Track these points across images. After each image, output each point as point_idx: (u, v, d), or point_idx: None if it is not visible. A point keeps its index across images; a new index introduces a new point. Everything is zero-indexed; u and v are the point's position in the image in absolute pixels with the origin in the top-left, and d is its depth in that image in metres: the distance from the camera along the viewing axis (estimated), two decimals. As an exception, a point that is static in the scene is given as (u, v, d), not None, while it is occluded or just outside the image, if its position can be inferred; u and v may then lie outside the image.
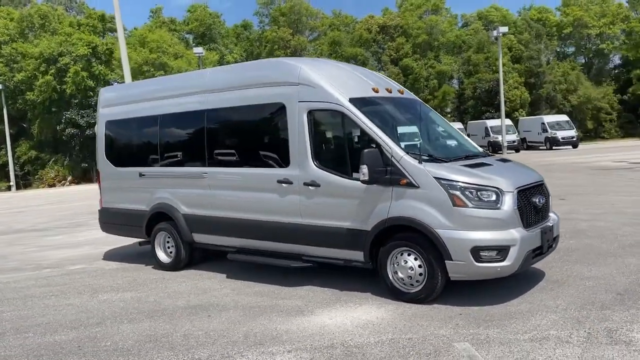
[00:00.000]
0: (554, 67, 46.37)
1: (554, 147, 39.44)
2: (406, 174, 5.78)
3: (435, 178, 5.66)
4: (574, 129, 40.63)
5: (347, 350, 4.78)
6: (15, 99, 44.00)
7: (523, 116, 44.52)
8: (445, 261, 5.59)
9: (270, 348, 4.94)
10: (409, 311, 5.67)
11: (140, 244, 9.07)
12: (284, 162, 6.78)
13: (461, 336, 4.90)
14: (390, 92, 7.16)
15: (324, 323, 5.50)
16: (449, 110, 48.88)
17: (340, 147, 6.70)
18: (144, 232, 8.59)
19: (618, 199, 12.65)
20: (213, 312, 6.14)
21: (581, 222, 9.94)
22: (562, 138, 39.69)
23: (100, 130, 9.32)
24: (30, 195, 34.56)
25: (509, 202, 5.57)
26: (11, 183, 41.68)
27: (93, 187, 36.84)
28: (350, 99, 6.37)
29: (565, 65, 47.06)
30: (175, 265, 8.27)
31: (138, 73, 39.96)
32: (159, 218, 8.41)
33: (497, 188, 5.60)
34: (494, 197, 5.57)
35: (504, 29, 36.18)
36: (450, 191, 5.57)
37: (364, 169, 5.83)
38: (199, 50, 33.92)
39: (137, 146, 8.88)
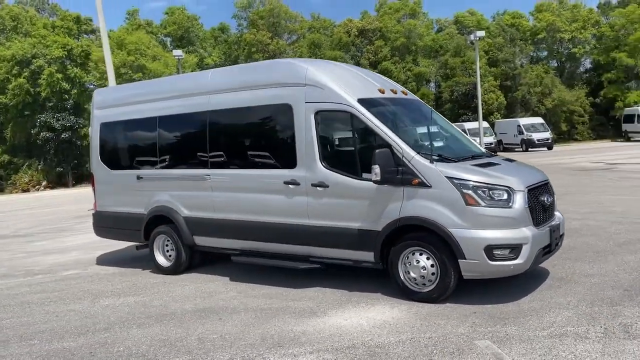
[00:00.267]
0: (528, 70, 47.22)
1: (529, 149, 40.10)
2: (418, 173, 5.81)
3: (448, 177, 5.70)
4: (548, 131, 41.39)
5: (370, 350, 4.77)
6: (-13, 103, 42.93)
7: (499, 119, 45.23)
8: (459, 260, 5.64)
9: (290, 350, 4.91)
10: (422, 310, 5.69)
11: (137, 247, 8.91)
12: (290, 163, 6.74)
13: (480, 334, 4.94)
14: (395, 93, 7.20)
15: (340, 324, 5.48)
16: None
17: (349, 148, 6.69)
18: (142, 235, 8.45)
19: (603, 198, 12.92)
20: (224, 315, 6.07)
21: (573, 221, 10.11)
22: (538, 140, 40.40)
23: (94, 133, 9.14)
24: (4, 200, 33.67)
25: (520, 201, 5.65)
26: (-17, 188, 40.61)
27: (69, 192, 36.38)
28: (358, 99, 6.38)
29: (539, 68, 47.97)
30: (175, 269, 8.16)
31: (116, 75, 39.23)
32: (157, 221, 8.29)
33: (509, 187, 5.67)
34: (505, 196, 5.64)
35: (481, 33, 36.71)
36: (463, 190, 5.62)
37: (376, 169, 5.85)
38: (178, 52, 33.54)
39: (134, 148, 8.72)
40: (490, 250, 5.50)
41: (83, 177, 44.96)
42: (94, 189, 9.24)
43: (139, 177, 8.43)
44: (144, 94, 8.57)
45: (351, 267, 6.62)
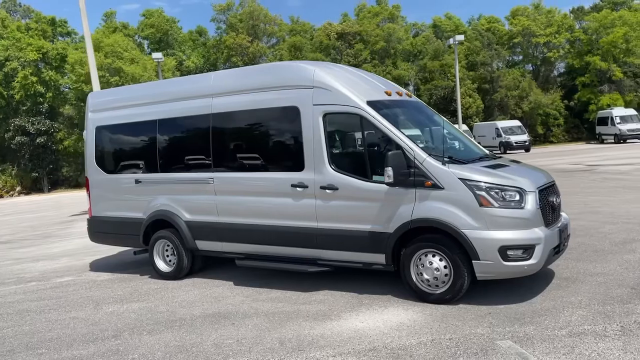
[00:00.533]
0: (506, 73, 47.98)
1: (507, 151, 40.68)
2: (430, 175, 5.84)
3: (461, 179, 5.73)
4: (526, 133, 42.14)
5: (392, 352, 4.76)
6: (-42, 106, 41.84)
7: (477, 122, 45.83)
8: (473, 261, 5.67)
9: (312, 353, 4.87)
10: (437, 312, 5.71)
11: (135, 253, 8.76)
12: (298, 166, 6.71)
13: (500, 334, 4.97)
14: (400, 95, 7.23)
15: (357, 327, 5.46)
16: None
17: (358, 150, 6.69)
18: (141, 240, 8.30)
19: (589, 200, 13.15)
20: (236, 319, 5.99)
21: (566, 222, 10.27)
22: (516, 142, 41.07)
23: (89, 136, 8.96)
24: (-22, 206, 32.79)
25: (531, 202, 5.71)
26: (-45, 194, 39.50)
27: (45, 198, 35.66)
28: (367, 101, 6.38)
29: (515, 72, 48.77)
30: (177, 274, 8.03)
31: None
32: (157, 226, 8.16)
33: (520, 188, 5.73)
34: (517, 197, 5.69)
35: (460, 37, 37.18)
36: (476, 192, 5.65)
37: (389, 171, 5.85)
38: (158, 55, 33.11)
39: (132, 152, 8.56)
40: (504, 251, 5.55)
41: (59, 182, 44.16)
42: (88, 194, 9.04)
43: (137, 181, 8.29)
44: (143, 97, 8.44)
45: (356, 269, 6.62)
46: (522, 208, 5.67)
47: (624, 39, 45.62)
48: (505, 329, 5.09)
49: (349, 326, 5.49)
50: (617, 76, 46.44)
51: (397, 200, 6.04)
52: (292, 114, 6.75)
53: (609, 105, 44.62)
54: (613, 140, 41.12)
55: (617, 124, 40.71)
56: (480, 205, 5.63)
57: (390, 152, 5.90)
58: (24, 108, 41.40)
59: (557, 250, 6.07)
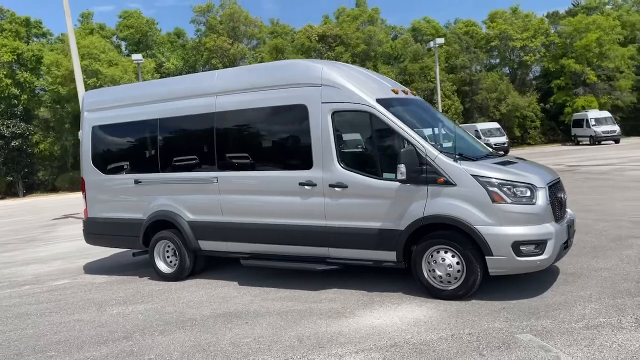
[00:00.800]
0: (485, 76, 48.68)
1: (486, 153, 41.28)
2: (443, 172, 5.87)
3: (473, 176, 5.78)
4: (504, 135, 42.72)
5: (415, 348, 4.77)
6: None
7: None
8: (486, 257, 5.71)
9: (334, 350, 4.84)
10: (451, 308, 5.73)
11: (134, 254, 8.62)
12: (305, 164, 6.68)
13: (518, 328, 5.02)
14: (406, 93, 7.26)
15: (373, 323, 5.46)
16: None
17: (368, 148, 6.70)
18: (141, 241, 8.16)
19: (577, 198, 13.37)
20: (248, 319, 5.94)
21: (559, 220, 10.44)
22: (495, 144, 41.44)
23: (85, 136, 8.78)
24: (-49, 211, 31.89)
25: (542, 198, 5.78)
26: None
27: (21, 202, 34.88)
28: (377, 99, 6.40)
29: (494, 75, 49.51)
30: (178, 275, 7.92)
31: (69, 80, 37.96)
32: (158, 226, 8.04)
33: (531, 184, 5.80)
34: (528, 193, 5.76)
35: (441, 40, 37.58)
36: (489, 188, 5.71)
37: (402, 168, 5.88)
38: (138, 57, 32.70)
39: (131, 152, 8.41)
40: (517, 246, 5.61)
41: (34, 186, 43.27)
42: (84, 195, 8.85)
43: (136, 181, 8.16)
44: (142, 96, 8.31)
45: (362, 267, 6.64)
46: (533, 204, 5.73)
47: (597, 43, 46.68)
48: (522, 323, 5.14)
49: (366, 323, 5.48)
50: (591, 79, 47.51)
51: (409, 198, 6.06)
52: (299, 112, 6.72)
53: (584, 108, 45.55)
54: (588, 142, 41.98)
55: (592, 126, 41.56)
56: (493, 201, 5.68)
57: (402, 150, 5.93)
58: (-2, 110, 40.51)
59: (566, 246, 6.16)
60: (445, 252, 5.97)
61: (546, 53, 51.48)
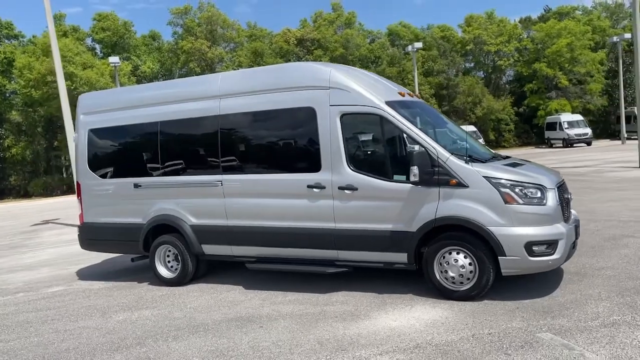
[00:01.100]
0: (462, 81, 49.36)
1: (464, 156, 41.80)
2: (455, 174, 5.92)
3: (485, 177, 5.85)
4: (481, 138, 43.30)
5: (439, 348, 4.79)
6: None
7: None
8: (499, 257, 5.78)
9: (357, 353, 4.84)
10: (465, 308, 5.78)
11: (133, 259, 8.46)
12: (313, 166, 6.67)
13: (537, 327, 5.08)
14: (411, 96, 7.32)
15: (391, 325, 5.47)
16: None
17: (378, 150, 6.72)
18: (141, 246, 8.02)
19: (563, 200, 13.67)
20: (262, 323, 5.88)
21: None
22: (472, 147, 42.25)
23: (81, 140, 8.59)
24: None
25: (552, 198, 5.89)
26: None
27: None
28: (386, 102, 6.42)
29: (471, 79, 50.24)
30: (181, 280, 7.80)
31: (42, 84, 37.18)
32: (159, 231, 7.91)
33: (541, 185, 5.90)
34: (539, 194, 5.85)
35: (419, 45, 37.98)
36: (501, 189, 5.78)
37: (415, 169, 5.92)
38: (115, 59, 32.19)
39: (130, 155, 8.25)
40: (530, 246, 5.69)
41: (5, 191, 42.17)
42: (80, 199, 8.66)
43: (136, 185, 8.01)
44: (141, 99, 8.17)
45: (367, 269, 6.67)
46: (544, 204, 5.83)
47: (568, 48, 47.76)
48: (539, 322, 5.21)
49: (383, 325, 5.49)
50: (563, 83, 48.57)
51: (421, 199, 6.10)
52: (307, 114, 6.70)
53: (557, 111, 46.51)
54: (561, 145, 42.82)
55: (565, 128, 42.45)
56: (505, 202, 5.76)
57: (415, 152, 5.97)
58: (-32, 114, 39.40)
59: (574, 246, 6.28)
60: (458, 253, 6.02)
61: (519, 57, 52.47)
